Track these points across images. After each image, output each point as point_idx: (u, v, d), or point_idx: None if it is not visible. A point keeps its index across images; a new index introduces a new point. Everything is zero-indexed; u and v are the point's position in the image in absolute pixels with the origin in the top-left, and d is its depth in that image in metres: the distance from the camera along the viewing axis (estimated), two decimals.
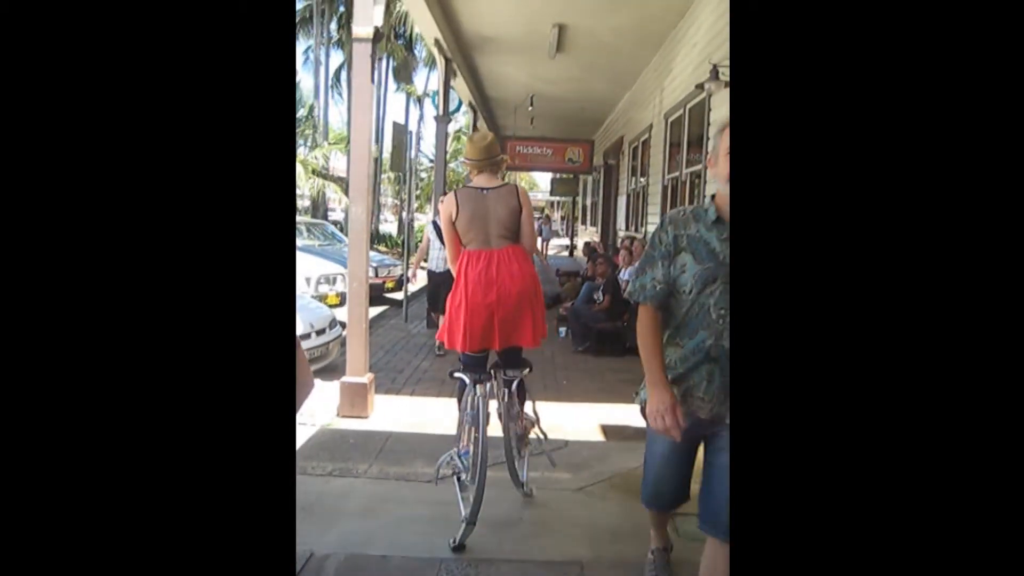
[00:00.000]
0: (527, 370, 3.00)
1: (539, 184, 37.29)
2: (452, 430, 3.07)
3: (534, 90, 10.43)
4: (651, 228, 8.00)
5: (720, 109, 5.11)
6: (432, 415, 4.47)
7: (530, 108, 10.90)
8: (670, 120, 7.12)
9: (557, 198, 26.26)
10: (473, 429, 2.79)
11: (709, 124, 5.37)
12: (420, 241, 7.72)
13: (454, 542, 2.63)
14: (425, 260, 6.91)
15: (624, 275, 7.10)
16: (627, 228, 9.99)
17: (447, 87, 8.15)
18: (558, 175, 22.70)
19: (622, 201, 10.51)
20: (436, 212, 6.23)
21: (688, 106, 6.29)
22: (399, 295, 8.75)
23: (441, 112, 8.31)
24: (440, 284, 6.15)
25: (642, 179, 9.03)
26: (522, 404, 3.04)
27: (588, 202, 16.88)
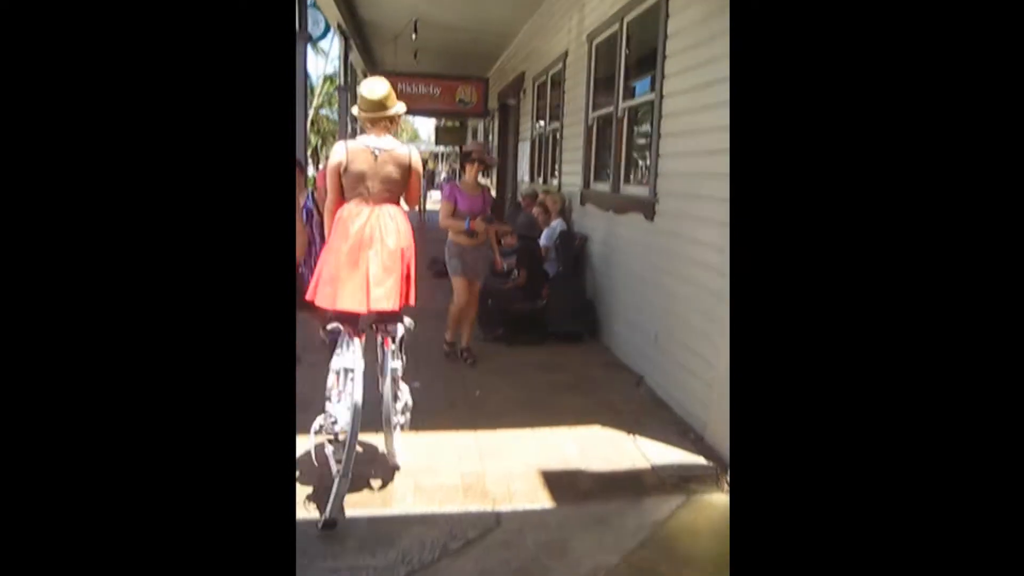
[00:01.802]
0: (410, 322, 2.87)
1: (420, 135, 34.89)
2: None
3: (418, 13, 8.62)
4: (568, 179, 6.57)
5: (686, 12, 3.69)
6: None
7: (413, 37, 9.08)
8: (596, 43, 5.65)
9: (442, 148, 24.27)
10: (346, 378, 2.61)
11: (667, 36, 3.94)
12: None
13: (321, 521, 2.40)
14: None
15: (543, 239, 5.65)
16: (532, 179, 8.53)
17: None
18: (443, 122, 20.82)
19: (524, 148, 9.01)
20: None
21: (626, 19, 4.83)
22: None
23: (299, 28, 6.39)
24: None
25: (552, 122, 7.55)
26: (402, 361, 2.92)
27: None
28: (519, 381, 4.27)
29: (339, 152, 2.80)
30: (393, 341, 2.79)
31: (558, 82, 7.08)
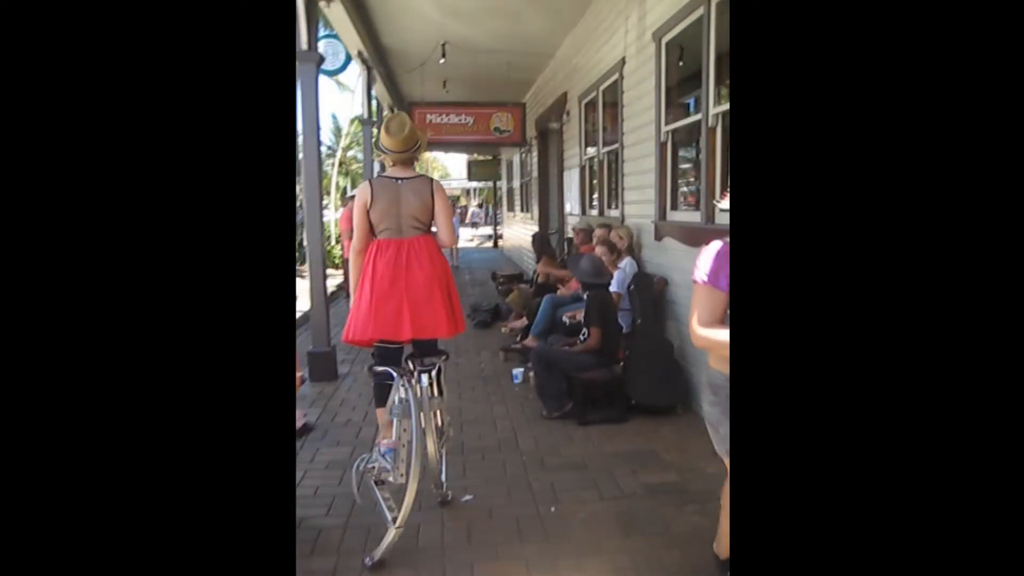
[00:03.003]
0: (445, 357, 2.77)
1: (451, 172, 34.14)
2: None
3: (446, 36, 7.74)
4: (633, 209, 5.47)
5: None
6: None
7: (441, 61, 8.19)
8: (666, 41, 4.61)
9: (476, 184, 23.43)
10: (403, 422, 2.52)
11: None
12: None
13: (371, 559, 2.40)
14: None
15: (615, 285, 4.55)
16: (584, 211, 7.47)
17: (311, 22, 5.38)
18: (474, 158, 20.01)
19: (572, 176, 7.96)
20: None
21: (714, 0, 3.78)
22: None
23: (309, 48, 5.50)
24: None
25: (607, 145, 6.50)
26: (441, 396, 2.79)
27: (516, 184, 14.27)
28: (605, 483, 3.13)
29: (365, 190, 2.83)
30: (431, 372, 2.67)
31: (613, 97, 6.05)
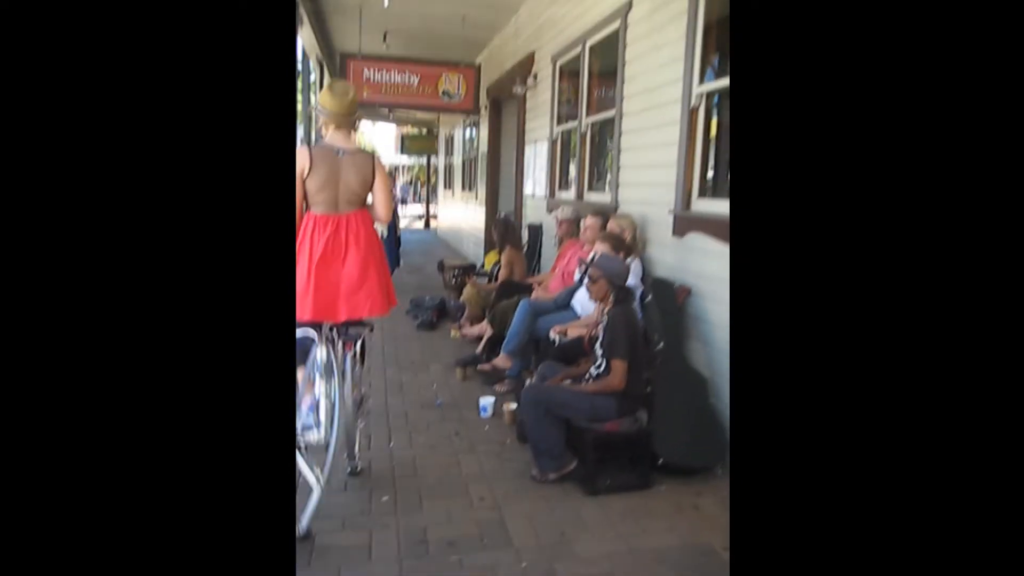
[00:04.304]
0: (369, 329, 2.85)
1: (377, 147, 32.00)
2: None
3: None
4: (633, 194, 4.33)
5: None
6: None
7: (386, 2, 6.78)
8: None
9: (408, 160, 21.77)
10: (322, 382, 2.56)
11: None
12: None
13: (300, 528, 2.34)
14: None
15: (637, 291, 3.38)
16: (552, 194, 6.27)
17: None
18: (408, 131, 18.46)
19: (539, 151, 6.72)
20: None
21: None
22: None
23: None
24: None
25: (595, 113, 5.33)
26: (362, 365, 2.95)
27: (457, 160, 12.89)
28: None
29: (302, 156, 2.63)
30: (355, 344, 2.77)
31: (607, 53, 4.87)
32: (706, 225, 3.39)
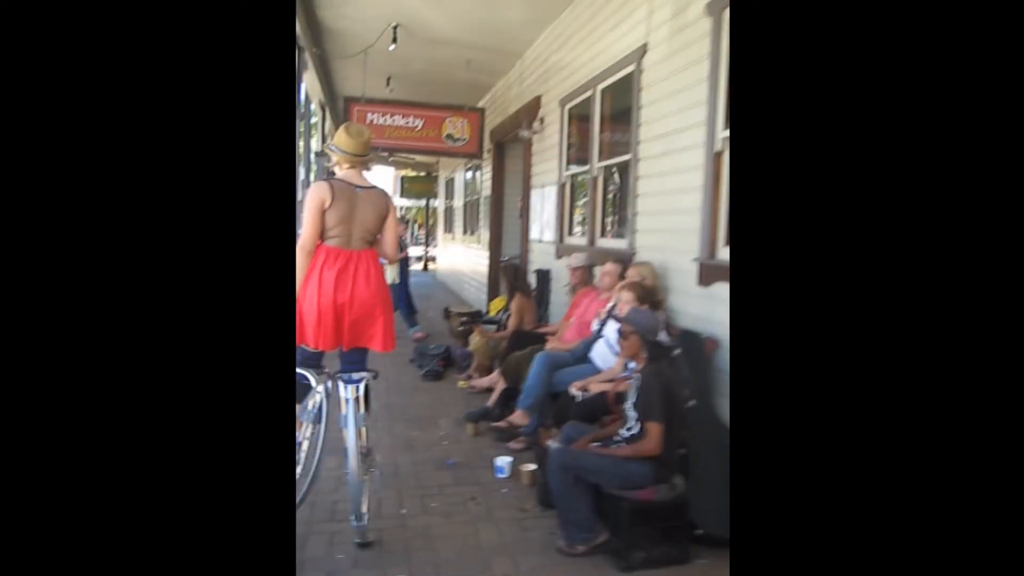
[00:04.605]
0: (373, 375, 2.72)
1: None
2: None
3: (399, 16, 6.33)
4: (648, 239, 4.19)
5: None
6: None
7: (392, 47, 6.74)
8: (726, 14, 3.36)
9: (409, 202, 21.73)
10: (311, 425, 2.53)
11: None
12: None
13: None
14: None
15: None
16: (562, 239, 6.13)
17: None
18: (408, 174, 18.46)
19: (547, 195, 6.60)
20: None
21: None
22: None
23: None
24: None
25: (608, 158, 5.23)
26: (367, 412, 2.72)
27: (459, 203, 12.79)
28: None
29: (324, 189, 2.74)
30: (358, 387, 2.63)
31: (621, 96, 4.78)
32: None
